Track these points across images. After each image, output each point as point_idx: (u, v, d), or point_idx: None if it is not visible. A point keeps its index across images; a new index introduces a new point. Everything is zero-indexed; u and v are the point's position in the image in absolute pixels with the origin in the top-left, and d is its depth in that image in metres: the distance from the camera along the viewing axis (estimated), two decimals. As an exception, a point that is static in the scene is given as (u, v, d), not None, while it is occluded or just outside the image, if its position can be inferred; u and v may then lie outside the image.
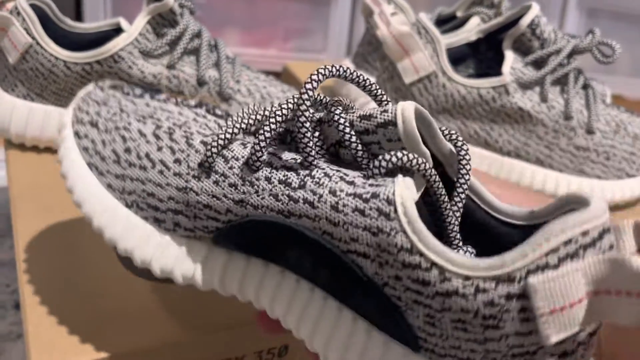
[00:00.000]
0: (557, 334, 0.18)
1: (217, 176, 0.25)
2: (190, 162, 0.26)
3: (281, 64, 0.72)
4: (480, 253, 0.23)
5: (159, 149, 0.27)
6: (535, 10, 0.47)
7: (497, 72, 0.48)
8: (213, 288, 0.27)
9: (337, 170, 0.23)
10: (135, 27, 0.43)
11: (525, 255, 0.19)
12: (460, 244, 0.24)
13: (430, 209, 0.25)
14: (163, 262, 0.27)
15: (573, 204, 0.21)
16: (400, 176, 0.21)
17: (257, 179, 0.24)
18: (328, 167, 0.23)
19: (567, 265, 0.18)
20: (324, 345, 0.24)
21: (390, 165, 0.21)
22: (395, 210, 0.20)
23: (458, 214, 0.23)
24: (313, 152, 0.23)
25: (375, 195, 0.21)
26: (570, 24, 1.09)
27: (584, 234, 0.18)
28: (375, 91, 0.24)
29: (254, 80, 0.48)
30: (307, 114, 0.22)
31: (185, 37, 0.44)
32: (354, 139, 0.22)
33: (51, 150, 0.45)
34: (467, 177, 0.23)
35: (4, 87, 0.44)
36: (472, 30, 0.52)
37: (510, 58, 0.48)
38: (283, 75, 0.70)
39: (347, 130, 0.22)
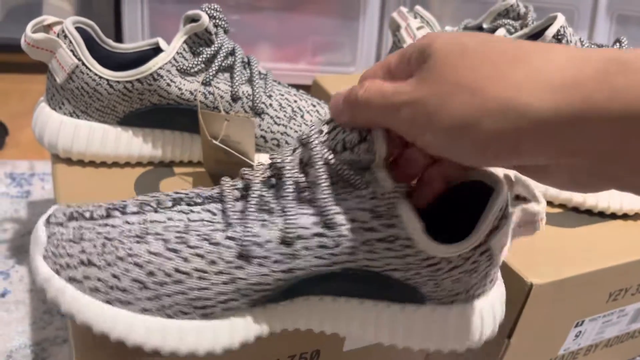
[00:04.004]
0: (501, 259, 0.31)
1: (258, 260, 0.29)
2: (226, 258, 0.29)
3: (311, 78, 0.74)
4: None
5: (185, 260, 0.29)
6: (561, 21, 0.48)
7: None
8: (263, 336, 0.32)
9: (354, 220, 0.28)
10: (172, 47, 0.45)
11: (485, 229, 0.29)
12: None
13: None
14: (223, 343, 0.30)
15: (481, 176, 0.30)
16: (403, 213, 0.28)
17: (297, 251, 0.29)
18: (346, 218, 0.28)
19: (503, 225, 0.29)
20: (361, 329, 0.32)
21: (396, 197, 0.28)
22: (415, 243, 0.28)
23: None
24: (333, 211, 0.28)
25: (397, 237, 0.28)
26: (601, 31, 1.08)
27: (501, 209, 0.29)
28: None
29: (285, 94, 0.50)
30: (326, 184, 0.28)
31: (220, 55, 0.46)
32: (345, 167, 0.29)
33: (95, 164, 0.47)
34: None
35: (52, 105, 0.47)
36: (498, 41, 0.52)
37: (536, 68, 0.48)
38: (312, 89, 0.72)
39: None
